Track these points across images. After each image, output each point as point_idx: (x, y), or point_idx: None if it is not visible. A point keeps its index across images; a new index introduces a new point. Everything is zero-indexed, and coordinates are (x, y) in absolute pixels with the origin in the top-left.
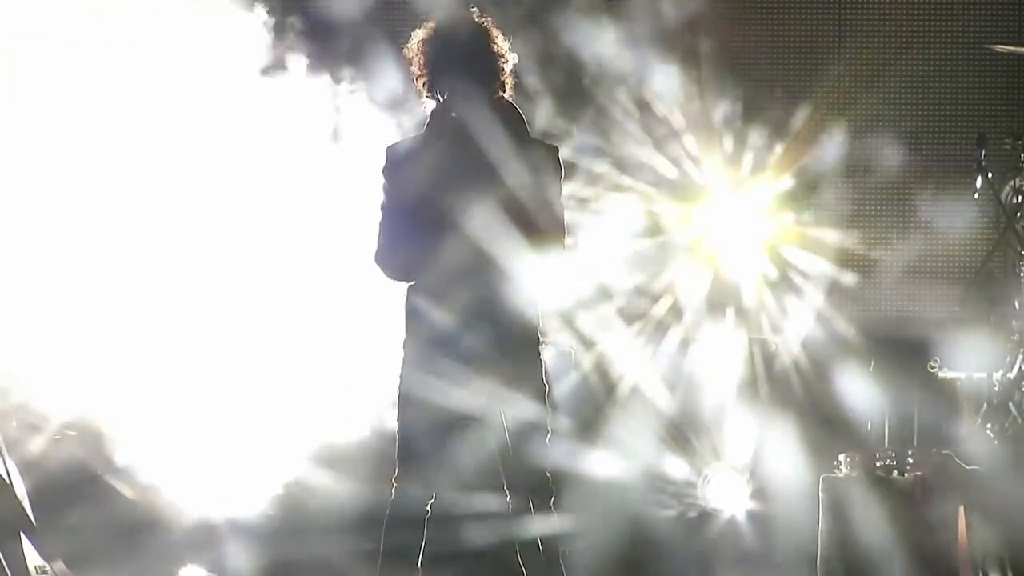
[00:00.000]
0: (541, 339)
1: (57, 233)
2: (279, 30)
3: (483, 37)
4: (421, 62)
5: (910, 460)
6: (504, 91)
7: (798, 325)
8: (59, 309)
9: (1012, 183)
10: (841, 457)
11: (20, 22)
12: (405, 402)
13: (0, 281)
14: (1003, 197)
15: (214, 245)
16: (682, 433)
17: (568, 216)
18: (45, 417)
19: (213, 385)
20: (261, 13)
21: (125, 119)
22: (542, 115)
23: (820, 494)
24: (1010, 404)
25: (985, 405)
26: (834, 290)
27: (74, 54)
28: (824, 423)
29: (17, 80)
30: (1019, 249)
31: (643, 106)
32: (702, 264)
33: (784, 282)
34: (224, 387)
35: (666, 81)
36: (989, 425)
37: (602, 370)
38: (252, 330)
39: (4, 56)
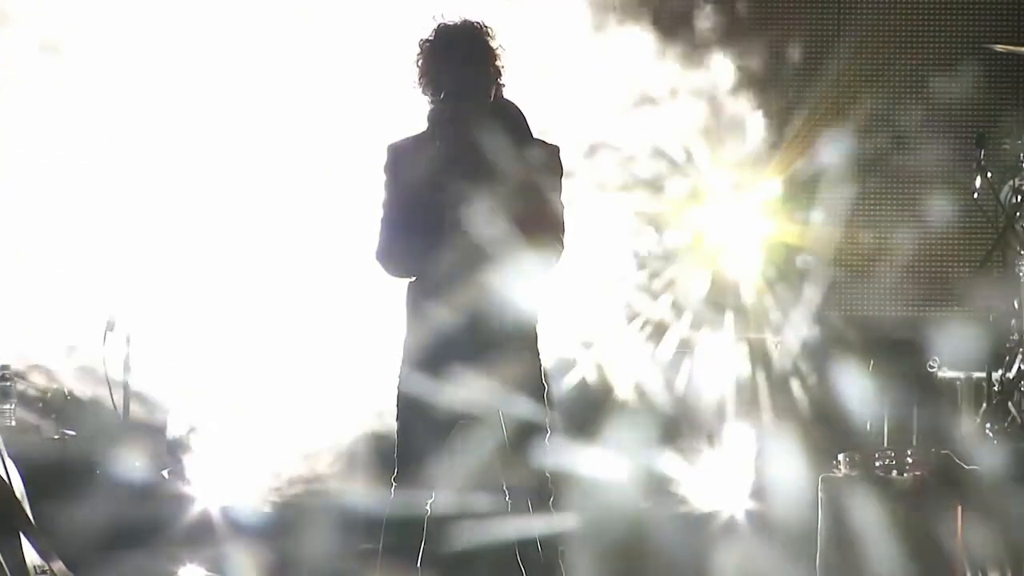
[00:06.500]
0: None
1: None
2: None
3: (482, 38)
4: (422, 62)
5: (910, 460)
6: (502, 91)
7: (798, 325)
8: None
9: (1011, 183)
10: (841, 457)
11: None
12: (404, 401)
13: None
14: (1002, 197)
15: (215, 242)
16: (682, 433)
17: (567, 215)
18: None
19: (213, 383)
20: None
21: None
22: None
23: (820, 494)
24: (1010, 404)
25: (985, 405)
26: (833, 290)
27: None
28: (824, 423)
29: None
30: (1019, 249)
31: (641, 104)
32: (702, 264)
33: (784, 282)
34: (224, 385)
35: (665, 81)
36: (989, 425)
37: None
38: (253, 328)
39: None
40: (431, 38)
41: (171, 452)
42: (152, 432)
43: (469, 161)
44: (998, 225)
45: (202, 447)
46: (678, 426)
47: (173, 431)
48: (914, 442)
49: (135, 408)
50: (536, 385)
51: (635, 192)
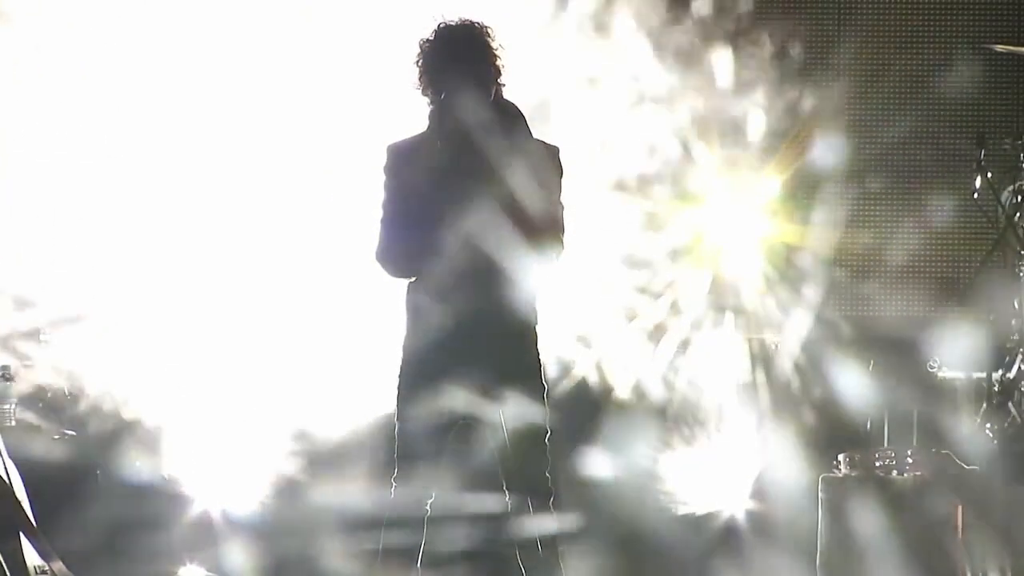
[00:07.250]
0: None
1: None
2: None
3: (481, 38)
4: (422, 63)
5: (910, 460)
6: (502, 91)
7: (798, 325)
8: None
9: (1012, 186)
10: (841, 457)
11: None
12: (404, 401)
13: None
14: (1003, 197)
15: (214, 243)
16: (682, 433)
17: (567, 215)
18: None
19: (213, 383)
20: None
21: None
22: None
23: (820, 494)
24: (1010, 404)
25: (985, 405)
26: (833, 290)
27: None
28: (824, 423)
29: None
30: (1019, 249)
31: (641, 104)
32: (702, 264)
33: (784, 282)
34: (224, 385)
35: (665, 81)
36: (989, 425)
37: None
38: (253, 327)
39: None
40: (431, 38)
41: (170, 452)
42: (151, 432)
43: (469, 161)
44: (998, 225)
45: (201, 447)
46: (678, 426)
47: (172, 431)
48: (914, 442)
49: (134, 408)
50: (536, 385)
51: (636, 192)
